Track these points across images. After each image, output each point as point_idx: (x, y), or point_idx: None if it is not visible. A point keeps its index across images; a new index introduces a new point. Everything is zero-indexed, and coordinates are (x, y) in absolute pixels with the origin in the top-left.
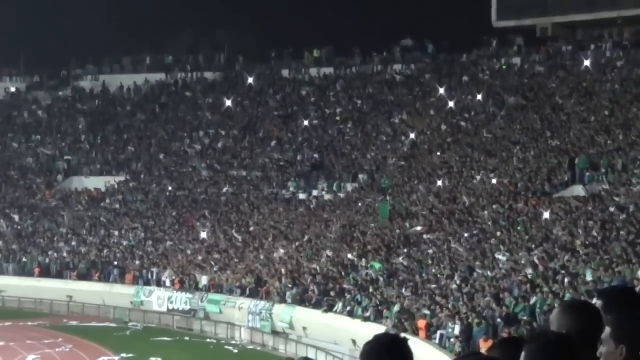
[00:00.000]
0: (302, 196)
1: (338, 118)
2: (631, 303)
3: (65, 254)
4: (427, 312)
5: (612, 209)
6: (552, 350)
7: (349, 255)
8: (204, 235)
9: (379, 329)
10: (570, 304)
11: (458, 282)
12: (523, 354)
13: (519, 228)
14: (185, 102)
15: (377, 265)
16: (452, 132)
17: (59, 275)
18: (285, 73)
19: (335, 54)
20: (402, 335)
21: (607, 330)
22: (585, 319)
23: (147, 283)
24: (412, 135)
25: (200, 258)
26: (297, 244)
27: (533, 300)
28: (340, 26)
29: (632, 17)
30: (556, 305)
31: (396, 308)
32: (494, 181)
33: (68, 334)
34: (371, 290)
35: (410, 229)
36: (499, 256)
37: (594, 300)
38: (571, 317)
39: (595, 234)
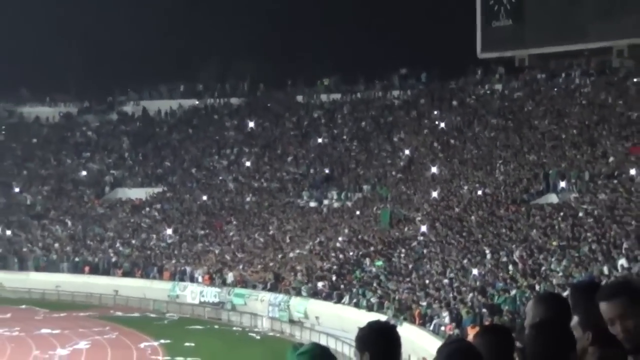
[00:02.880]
0: (314, 204)
1: (345, 137)
2: (586, 293)
3: (111, 254)
4: (423, 303)
5: (580, 214)
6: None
7: (355, 255)
8: (230, 237)
9: (380, 317)
10: (543, 295)
11: (449, 277)
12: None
13: (503, 230)
14: (213, 124)
15: (379, 263)
16: (443, 148)
17: (106, 273)
18: (300, 98)
19: (342, 81)
20: (392, 322)
21: (575, 318)
22: (555, 308)
23: (182, 279)
24: (408, 152)
25: (227, 257)
26: (310, 245)
27: (513, 292)
28: (345, 58)
29: (597, 48)
30: (532, 297)
31: (396, 302)
32: (479, 191)
33: (114, 323)
34: (374, 284)
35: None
36: (485, 255)
37: (565, 293)
38: (544, 307)
39: (566, 235)
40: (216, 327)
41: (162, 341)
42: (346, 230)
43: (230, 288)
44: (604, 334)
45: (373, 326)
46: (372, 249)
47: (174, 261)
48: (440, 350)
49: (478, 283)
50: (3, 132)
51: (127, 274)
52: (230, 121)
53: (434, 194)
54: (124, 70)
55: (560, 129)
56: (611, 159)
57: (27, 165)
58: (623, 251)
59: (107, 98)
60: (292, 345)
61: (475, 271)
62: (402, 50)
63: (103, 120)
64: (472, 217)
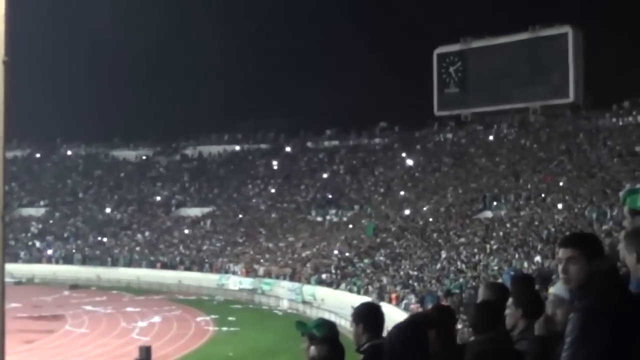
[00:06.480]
0: (320, 219)
1: (342, 172)
2: (523, 283)
3: (176, 255)
4: (397, 288)
5: (508, 225)
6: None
7: (349, 255)
8: (261, 243)
9: (367, 299)
10: (489, 283)
11: (415, 270)
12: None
13: (454, 237)
14: (248, 163)
15: (366, 261)
16: (410, 179)
17: (173, 268)
18: (309, 144)
19: (339, 132)
20: (378, 302)
21: (510, 299)
22: (498, 292)
23: (226, 272)
24: (386, 182)
25: (258, 257)
26: (317, 248)
27: (461, 280)
28: (341, 115)
29: (518, 108)
30: (474, 284)
31: (377, 288)
32: (437, 209)
33: (178, 303)
34: (362, 275)
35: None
36: (441, 254)
37: (499, 280)
38: (489, 291)
39: (498, 240)
40: (250, 306)
41: (213, 316)
42: (342, 237)
43: (260, 278)
44: (531, 310)
45: (365, 305)
46: (361, 250)
47: (220, 259)
48: (396, 326)
49: (436, 274)
50: (100, 169)
51: (187, 269)
52: (260, 160)
53: (405, 212)
54: (185, 124)
55: (493, 165)
56: (529, 186)
57: (117, 192)
58: (538, 251)
59: (172, 144)
60: (296, 321)
61: (434, 266)
62: (381, 110)
63: (170, 160)
64: (432, 228)
